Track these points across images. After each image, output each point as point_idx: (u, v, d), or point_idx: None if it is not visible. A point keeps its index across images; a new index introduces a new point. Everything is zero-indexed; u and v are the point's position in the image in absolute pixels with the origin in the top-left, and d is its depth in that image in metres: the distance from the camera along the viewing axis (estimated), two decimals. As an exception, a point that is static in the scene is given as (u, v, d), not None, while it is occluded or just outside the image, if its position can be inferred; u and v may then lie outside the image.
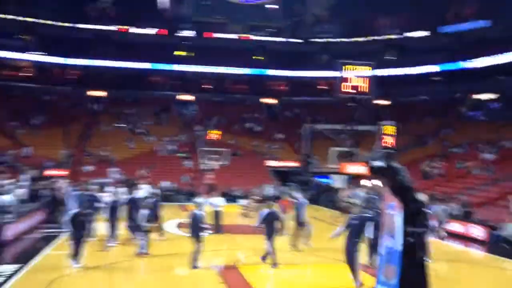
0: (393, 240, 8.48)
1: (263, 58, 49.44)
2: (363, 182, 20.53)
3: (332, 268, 12.76)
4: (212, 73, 48.30)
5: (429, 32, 45.03)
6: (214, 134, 40.21)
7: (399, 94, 46.12)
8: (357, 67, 8.99)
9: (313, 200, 33.02)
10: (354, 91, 8.66)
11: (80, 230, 12.02)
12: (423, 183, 28.70)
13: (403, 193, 8.52)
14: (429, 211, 12.74)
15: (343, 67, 9.13)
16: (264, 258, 12.95)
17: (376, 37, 48.07)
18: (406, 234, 8.20)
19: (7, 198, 17.44)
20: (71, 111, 41.87)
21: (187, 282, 11.46)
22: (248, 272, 12.11)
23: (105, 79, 46.61)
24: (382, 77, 45.99)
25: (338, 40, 48.46)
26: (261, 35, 48.76)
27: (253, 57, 48.79)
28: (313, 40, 49.25)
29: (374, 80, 8.92)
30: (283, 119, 45.78)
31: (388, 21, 48.72)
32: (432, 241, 14.46)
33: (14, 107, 40.54)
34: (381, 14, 48.04)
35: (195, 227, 12.44)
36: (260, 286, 10.78)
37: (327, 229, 21.24)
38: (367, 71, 9.04)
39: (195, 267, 12.27)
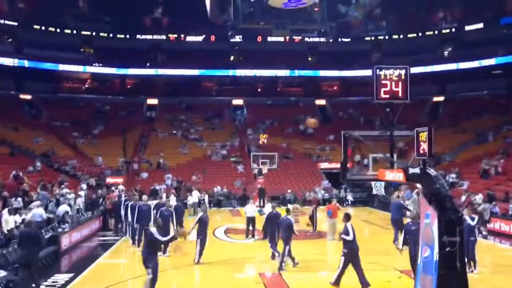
0: (430, 250, 8.33)
1: (314, 59, 49.22)
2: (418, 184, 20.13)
3: (380, 273, 12.57)
4: (264, 77, 48.61)
5: (487, 24, 43.21)
6: (265, 138, 40.43)
7: (456, 90, 44.58)
8: (393, 70, 8.82)
9: (366, 202, 32.64)
10: (388, 96, 8.50)
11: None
12: (482, 181, 27.62)
13: (439, 201, 8.35)
14: (470, 221, 12.35)
15: (378, 71, 8.98)
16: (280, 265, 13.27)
17: (431, 32, 46.71)
18: (442, 244, 8.04)
19: (64, 209, 18.41)
20: (127, 119, 43.45)
21: (229, 289, 11.70)
22: (291, 279, 12.17)
23: (158, 87, 48.08)
24: (439, 72, 44.77)
25: (394, 37, 47.47)
26: (310, 37, 48.50)
27: (304, 59, 48.63)
28: (365, 38, 48.50)
29: (409, 82, 8.75)
30: (336, 120, 45.35)
31: (443, 15, 47.20)
32: (480, 245, 13.95)
33: (75, 117, 42.65)
34: (436, 7, 46.60)
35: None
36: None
37: (378, 232, 20.95)
38: (403, 73, 8.85)
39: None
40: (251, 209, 18.57)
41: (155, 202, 18.25)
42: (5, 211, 16.05)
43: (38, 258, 12.01)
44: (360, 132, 10.86)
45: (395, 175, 9.28)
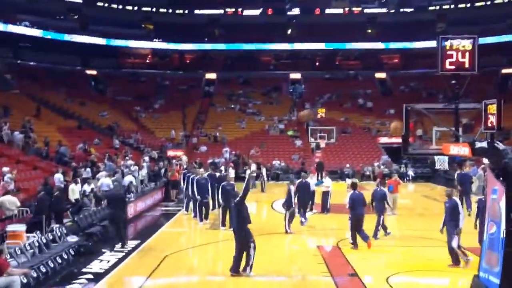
0: (496, 226, 8.07)
1: (374, 31, 47.86)
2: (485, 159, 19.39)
3: (442, 249, 12.35)
4: (322, 50, 47.87)
5: None
6: (323, 112, 40.04)
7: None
8: (460, 40, 8.40)
9: (428, 178, 31.80)
10: (454, 67, 8.13)
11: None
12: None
13: (507, 176, 8.01)
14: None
15: (444, 41, 8.59)
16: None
17: (500, 0, 44.07)
18: (510, 220, 7.75)
19: (130, 179, 19.21)
20: (187, 94, 44.25)
21: (286, 260, 11.85)
22: (350, 252, 12.19)
23: (216, 62, 48.50)
24: (509, 43, 42.31)
25: (460, 6, 45.22)
26: (369, 7, 47.06)
27: (363, 31, 47.40)
28: (428, 8, 46.51)
29: (477, 53, 8.31)
30: (397, 94, 44.15)
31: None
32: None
33: (137, 92, 43.97)
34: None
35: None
36: (361, 266, 10.81)
37: (440, 208, 20.45)
38: (470, 43, 8.42)
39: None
40: (310, 182, 18.54)
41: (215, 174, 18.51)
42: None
43: (124, 217, 13.14)
44: (423, 105, 10.56)
45: (460, 149, 8.98)
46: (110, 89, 44.69)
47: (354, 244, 12.58)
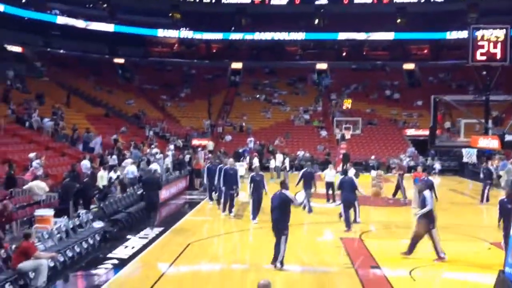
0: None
1: (403, 21, 46.98)
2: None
3: (469, 244, 12.16)
4: (349, 40, 47.27)
5: None
6: (350, 103, 39.71)
7: None
8: (492, 30, 8.14)
9: (455, 171, 31.28)
10: (485, 58, 7.90)
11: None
12: None
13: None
14: None
15: (475, 32, 8.33)
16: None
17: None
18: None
19: (155, 167, 19.37)
20: (212, 83, 44.39)
21: (309, 251, 11.84)
22: (373, 245, 12.11)
23: (242, 51, 48.42)
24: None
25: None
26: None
27: (392, 21, 46.54)
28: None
29: (510, 43, 8.03)
30: (425, 85, 43.39)
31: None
32: None
33: (163, 81, 44.33)
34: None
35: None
36: (384, 259, 10.73)
37: (467, 202, 20.13)
38: (503, 33, 8.16)
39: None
40: (330, 174, 18.47)
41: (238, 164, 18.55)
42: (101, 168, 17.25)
43: (158, 200, 14.39)
44: (452, 96, 10.35)
45: (490, 142, 8.79)
46: (137, 77, 45.15)
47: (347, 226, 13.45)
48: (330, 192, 18.21)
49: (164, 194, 18.29)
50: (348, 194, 13.56)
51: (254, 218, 14.56)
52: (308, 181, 16.32)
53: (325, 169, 20.39)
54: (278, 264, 9.84)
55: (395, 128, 37.75)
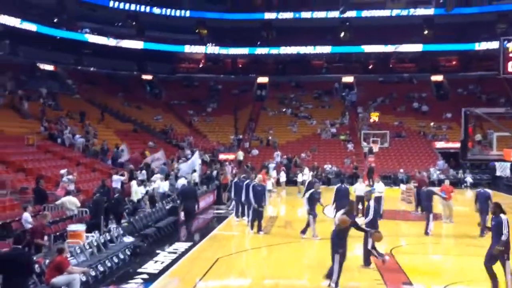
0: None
1: (430, 32, 46.46)
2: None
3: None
4: (375, 53, 47.03)
5: None
6: (377, 116, 39.39)
7: None
8: (524, 42, 8.02)
9: (488, 185, 30.53)
10: (518, 69, 7.82)
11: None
12: None
13: None
14: None
15: (506, 43, 8.18)
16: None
17: None
18: None
19: (183, 182, 19.60)
20: (239, 98, 44.57)
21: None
22: (404, 260, 11.90)
23: (268, 65, 48.69)
24: None
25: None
26: (427, 8, 45.60)
27: (419, 32, 46.05)
28: (489, 9, 44.66)
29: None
30: (454, 97, 42.73)
31: None
32: None
33: (190, 96, 44.86)
34: None
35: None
36: (416, 274, 10.53)
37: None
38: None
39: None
40: (360, 188, 18.31)
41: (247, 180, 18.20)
42: (134, 182, 17.47)
43: (194, 209, 16.09)
44: (484, 109, 10.19)
45: (523, 156, 8.61)
46: (165, 93, 45.81)
47: None
48: (360, 206, 18.00)
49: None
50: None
51: (314, 236, 14.28)
52: (342, 198, 15.56)
53: (354, 183, 20.22)
54: (332, 284, 9.49)
55: (424, 140, 37.23)
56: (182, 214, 16.32)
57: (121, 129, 33.13)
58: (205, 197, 21.07)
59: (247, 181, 16.75)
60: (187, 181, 17.37)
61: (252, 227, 15.47)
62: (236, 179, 19.04)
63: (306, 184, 17.42)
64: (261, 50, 47.53)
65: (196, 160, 22.81)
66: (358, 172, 30.79)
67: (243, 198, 16.29)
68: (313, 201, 14.39)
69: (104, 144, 25.56)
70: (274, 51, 47.19)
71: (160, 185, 17.82)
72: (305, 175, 26.50)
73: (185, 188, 16.73)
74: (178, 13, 46.27)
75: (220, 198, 22.36)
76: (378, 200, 18.11)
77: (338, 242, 9.57)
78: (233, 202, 18.42)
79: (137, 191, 16.66)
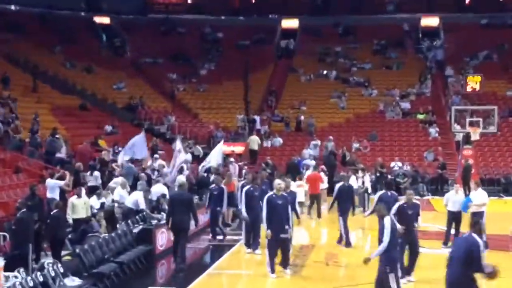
0: None
1: None
2: None
3: None
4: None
5: None
6: (478, 82, 38.92)
7: None
8: None
9: None
10: None
11: None
12: None
13: None
14: None
15: None
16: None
17: None
18: None
19: (160, 190, 19.64)
20: (251, 53, 44.24)
21: None
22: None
23: (299, 1, 48.24)
24: None
25: None
26: None
27: None
28: None
29: None
30: None
31: None
32: None
33: (173, 51, 44.87)
34: None
35: None
36: None
37: None
38: None
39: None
40: (456, 199, 18.05)
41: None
42: (81, 190, 17.40)
43: (188, 226, 15.87)
44: None
45: None
46: (131, 46, 45.88)
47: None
48: (453, 231, 17.75)
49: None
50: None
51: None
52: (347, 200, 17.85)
53: (440, 191, 20.08)
54: None
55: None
56: (170, 236, 16.32)
57: (61, 105, 33.25)
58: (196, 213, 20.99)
59: (264, 187, 16.72)
60: (179, 184, 17.14)
61: (271, 265, 15.09)
62: (247, 185, 18.82)
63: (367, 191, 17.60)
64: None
65: (178, 154, 22.86)
66: (447, 173, 30.53)
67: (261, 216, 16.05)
68: (406, 220, 14.10)
69: (34, 128, 25.59)
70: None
71: (123, 194, 17.74)
72: (362, 178, 26.22)
73: (175, 195, 16.60)
74: None
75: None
76: (477, 216, 17.92)
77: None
78: (243, 223, 18.27)
79: (77, 206, 16.60)
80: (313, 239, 20.35)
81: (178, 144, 24.08)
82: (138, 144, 23.71)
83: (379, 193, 16.76)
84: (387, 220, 11.48)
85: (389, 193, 15.87)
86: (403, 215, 13.93)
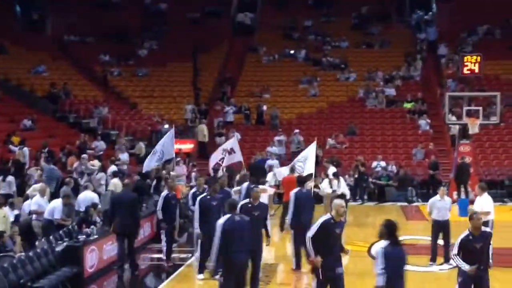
0: None
1: None
2: None
3: None
4: None
5: None
6: (476, 62, 39.36)
7: None
8: None
9: None
10: None
11: None
12: None
13: None
14: None
15: None
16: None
17: None
18: None
19: (89, 197, 19.66)
20: (201, 29, 44.50)
21: None
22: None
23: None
24: None
25: None
26: None
27: None
28: None
29: None
30: None
31: None
32: None
33: (106, 27, 44.74)
34: None
35: None
36: None
37: None
38: None
39: None
40: (441, 205, 18.24)
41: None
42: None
43: (136, 229, 17.24)
44: None
45: None
46: (52, 19, 45.61)
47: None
48: (441, 241, 17.98)
49: (106, 252, 18.35)
50: None
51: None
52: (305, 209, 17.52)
53: (431, 196, 20.34)
54: None
55: None
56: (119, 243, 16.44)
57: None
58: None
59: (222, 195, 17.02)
60: (123, 183, 17.45)
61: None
62: (200, 193, 18.82)
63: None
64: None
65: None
66: (439, 174, 30.86)
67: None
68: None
69: None
70: None
71: (42, 204, 17.68)
72: (337, 183, 26.36)
73: (117, 196, 17.18)
74: None
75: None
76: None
77: None
78: (195, 238, 18.26)
79: (6, 218, 16.59)
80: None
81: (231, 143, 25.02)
82: (168, 142, 23.96)
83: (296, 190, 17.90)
84: None
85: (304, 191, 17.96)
86: None
